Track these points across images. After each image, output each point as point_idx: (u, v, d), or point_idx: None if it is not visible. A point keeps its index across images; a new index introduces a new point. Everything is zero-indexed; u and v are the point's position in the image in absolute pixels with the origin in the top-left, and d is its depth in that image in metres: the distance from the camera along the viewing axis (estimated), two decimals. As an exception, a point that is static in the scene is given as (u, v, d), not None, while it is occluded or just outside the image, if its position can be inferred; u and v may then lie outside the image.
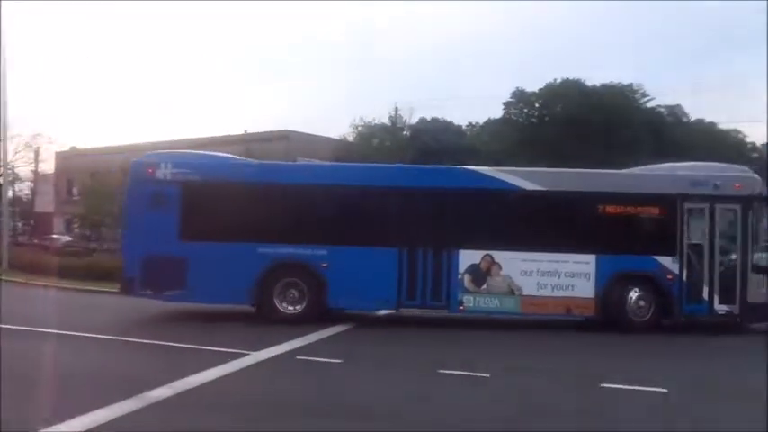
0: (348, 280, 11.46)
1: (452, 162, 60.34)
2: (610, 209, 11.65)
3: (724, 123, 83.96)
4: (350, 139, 58.72)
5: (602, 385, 7.29)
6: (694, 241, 11.55)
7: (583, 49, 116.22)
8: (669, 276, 11.42)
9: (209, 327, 11.57)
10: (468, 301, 11.59)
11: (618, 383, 7.35)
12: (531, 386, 7.46)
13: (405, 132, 58.05)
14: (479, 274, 11.58)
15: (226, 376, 7.53)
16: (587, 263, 11.46)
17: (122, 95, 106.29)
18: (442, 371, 7.92)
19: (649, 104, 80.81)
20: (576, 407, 6.61)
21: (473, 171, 12.32)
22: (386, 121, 56.42)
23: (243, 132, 40.76)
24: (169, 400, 6.39)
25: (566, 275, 11.46)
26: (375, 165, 13.91)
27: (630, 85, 78.16)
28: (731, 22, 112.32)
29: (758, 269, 11.57)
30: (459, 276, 11.57)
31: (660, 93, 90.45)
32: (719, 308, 11.42)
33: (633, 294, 11.48)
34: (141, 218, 11.84)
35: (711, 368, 8.93)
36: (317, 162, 13.74)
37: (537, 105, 75.63)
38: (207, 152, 13.51)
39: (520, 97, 75.60)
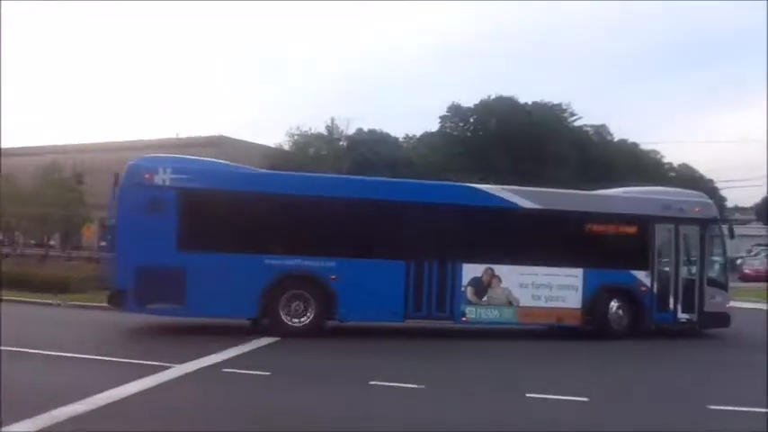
0: (357, 292, 11.35)
1: (389, 174, 60.95)
2: (595, 227, 12.61)
3: (645, 144, 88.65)
4: (286, 147, 58.09)
5: (527, 395, 7.39)
6: (662, 258, 12.85)
7: (516, 67, 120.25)
8: (643, 288, 12.55)
9: (138, 338, 11.10)
10: (471, 312, 11.93)
11: (544, 393, 7.46)
12: (458, 397, 7.47)
13: (341, 142, 58.00)
14: (481, 287, 11.96)
15: (146, 390, 7.16)
16: (576, 276, 12.27)
17: (43, 96, 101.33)
18: (373, 383, 7.83)
19: (577, 123, 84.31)
20: (496, 417, 6.67)
21: (477, 188, 12.75)
22: (322, 130, 56.18)
23: (175, 136, 39.50)
24: (81, 417, 5.99)
25: (557, 288, 12.20)
26: (386, 179, 13.94)
27: (560, 104, 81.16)
28: (655, 48, 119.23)
29: (712, 282, 13.07)
30: (463, 289, 11.87)
31: (587, 112, 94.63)
32: (682, 316, 12.76)
33: (614, 305, 12.47)
34: (135, 225, 10.92)
35: (637, 373, 9.24)
36: (333, 174, 13.52)
37: (472, 120, 77.53)
38: (203, 158, 12.81)
39: (455, 111, 77.29)
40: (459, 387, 8.01)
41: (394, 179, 14.50)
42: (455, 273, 11.83)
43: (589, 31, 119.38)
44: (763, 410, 6.89)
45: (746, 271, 35.14)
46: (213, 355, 9.28)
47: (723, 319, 12.95)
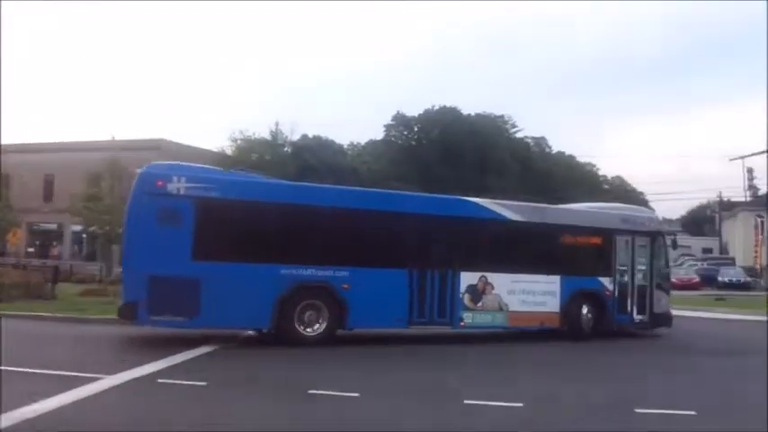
0: (366, 301, 11.63)
1: (333, 180, 60.76)
2: (569, 238, 13.94)
3: (581, 156, 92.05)
4: (228, 152, 57.01)
5: (465, 402, 7.49)
6: (621, 265, 14.39)
7: (460, 78, 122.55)
8: (607, 293, 14.10)
9: (68, 349, 10.67)
10: (468, 317, 12.66)
11: (481, 399, 7.58)
12: (398, 404, 7.50)
13: (286, 148, 57.44)
14: (476, 294, 12.75)
15: (70, 405, 6.81)
16: (555, 283, 13.48)
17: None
18: (312, 391, 7.76)
19: (518, 135, 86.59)
20: (427, 423, 6.74)
21: (472, 201, 13.56)
22: (266, 135, 55.48)
23: (110, 139, 38.11)
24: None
25: (540, 293, 13.34)
26: (395, 192, 14.81)
27: (502, 116, 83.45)
28: (594, 64, 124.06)
29: (659, 287, 14.82)
30: (461, 296, 12.57)
31: (527, 125, 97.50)
32: (637, 317, 14.47)
33: (585, 309, 13.82)
34: (148, 234, 10.58)
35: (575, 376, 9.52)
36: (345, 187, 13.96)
37: (416, 129, 78.47)
38: (214, 167, 12.69)
39: (400, 121, 78.05)
40: (397, 394, 8.03)
41: (400, 192, 15.17)
42: (454, 280, 12.52)
43: (531, 46, 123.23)
44: (690, 412, 7.21)
45: (673, 280, 36.80)
46: (148, 365, 8.98)
47: (668, 319, 14.87)
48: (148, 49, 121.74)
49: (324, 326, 11.58)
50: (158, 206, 10.71)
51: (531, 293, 13.23)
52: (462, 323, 12.60)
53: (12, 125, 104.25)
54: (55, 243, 49.59)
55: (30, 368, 8.58)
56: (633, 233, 14.52)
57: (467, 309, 12.61)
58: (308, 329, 11.53)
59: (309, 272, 11.54)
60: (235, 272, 10.93)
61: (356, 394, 7.68)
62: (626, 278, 14.38)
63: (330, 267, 11.64)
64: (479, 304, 12.74)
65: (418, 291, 12.20)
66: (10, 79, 79.41)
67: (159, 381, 8.21)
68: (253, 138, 56.45)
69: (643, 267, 14.65)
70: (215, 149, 56.52)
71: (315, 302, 11.55)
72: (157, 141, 48.27)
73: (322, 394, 7.66)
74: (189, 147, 51.70)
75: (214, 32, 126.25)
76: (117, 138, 39.35)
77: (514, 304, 13.02)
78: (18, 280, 18.59)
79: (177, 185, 10.83)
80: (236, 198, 11.26)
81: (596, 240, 14.24)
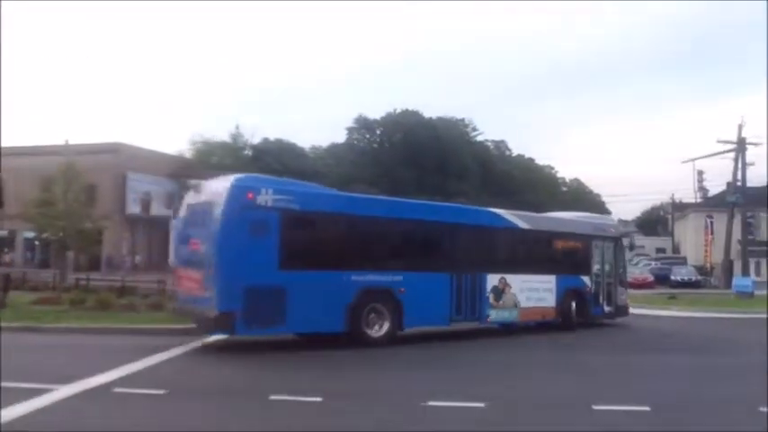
0: (418, 303, 12.65)
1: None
2: (562, 243, 16.38)
3: (540, 159, 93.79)
4: (187, 155, 56.01)
5: (429, 403, 7.54)
6: (596, 266, 16.77)
7: (422, 81, 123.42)
8: (588, 290, 16.39)
9: (20, 359, 10.26)
10: (492, 314, 14.26)
11: (443, 401, 7.64)
12: (358, 409, 7.50)
13: (246, 152, 56.74)
14: (498, 293, 14.37)
15: (20, 418, 6.59)
16: (552, 282, 15.45)
17: None
18: (273, 397, 7.69)
19: (478, 138, 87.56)
20: (386, 426, 6.77)
21: (495, 212, 15.28)
22: (227, 138, 54.68)
23: (64, 143, 36.90)
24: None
25: (542, 291, 15.25)
26: (440, 203, 16.39)
27: (463, 120, 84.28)
28: (549, 69, 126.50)
29: (620, 283, 17.57)
30: (487, 295, 14.11)
31: (488, 128, 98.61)
32: (606, 309, 16.92)
33: (573, 303, 15.87)
34: (241, 245, 10.81)
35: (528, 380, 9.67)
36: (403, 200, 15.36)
37: (378, 132, 78.63)
38: (296, 180, 13.23)
39: (362, 123, 78.14)
40: (360, 398, 8.04)
41: (445, 203, 16.72)
42: (482, 282, 14.03)
43: (491, 50, 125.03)
44: (644, 407, 7.42)
45: (629, 279, 37.70)
46: (104, 374, 8.75)
47: (626, 310, 17.70)
48: (103, 51, 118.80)
49: (386, 328, 12.38)
50: (250, 218, 10.99)
51: (535, 291, 15.12)
52: (488, 319, 14.25)
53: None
54: (6, 250, 47.85)
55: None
56: (603, 238, 17.09)
57: (491, 306, 14.19)
58: (373, 332, 12.27)
59: (374, 278, 12.36)
60: (314, 280, 11.50)
61: (318, 399, 7.65)
62: (599, 276, 16.81)
63: (389, 273, 12.58)
64: (500, 302, 14.37)
65: (457, 292, 13.55)
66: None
67: (115, 390, 8.02)
68: (212, 141, 55.59)
69: (609, 267, 17.18)
70: (173, 153, 55.55)
71: (377, 306, 12.31)
72: (114, 145, 47.13)
73: (284, 400, 7.60)
74: (147, 150, 50.68)
75: (171, 34, 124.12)
76: (71, 142, 38.06)
77: (524, 301, 14.79)
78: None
79: (265, 198, 11.18)
80: (315, 210, 11.92)
81: (580, 245, 16.63)
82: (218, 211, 10.91)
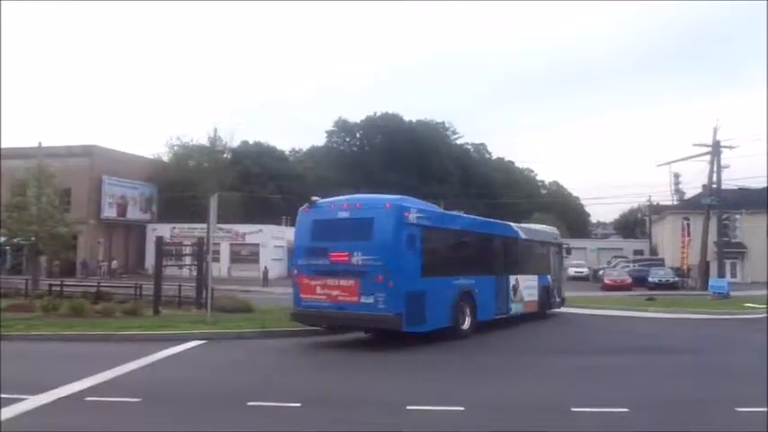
0: (483, 301, 15.42)
1: (275, 187, 59.51)
2: (539, 248, 20.52)
3: (520, 162, 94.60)
4: (165, 159, 55.30)
5: (407, 407, 7.45)
6: (553, 266, 21.19)
7: (401, 85, 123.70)
8: (551, 286, 20.41)
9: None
10: (513, 307, 17.44)
11: (424, 405, 7.55)
12: (338, 415, 7.39)
13: (225, 155, 56.20)
14: (515, 291, 17.69)
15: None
16: (535, 280, 19.16)
17: None
18: (251, 403, 7.54)
19: (458, 141, 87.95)
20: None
21: (511, 225, 19.23)
22: (204, 141, 54.10)
23: (37, 145, 36.16)
24: None
25: (531, 288, 18.77)
26: (492, 220, 19.19)
27: (443, 123, 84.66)
28: (528, 72, 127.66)
29: (563, 280, 21.91)
30: (510, 293, 17.37)
31: (468, 131, 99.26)
32: (557, 300, 21.09)
33: (545, 297, 19.79)
34: (404, 256, 12.74)
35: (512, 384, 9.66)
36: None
37: (358, 135, 78.61)
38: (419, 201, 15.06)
39: (342, 126, 78.07)
40: (336, 402, 7.92)
41: (493, 220, 19.27)
42: (508, 282, 17.27)
43: (470, 53, 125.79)
44: (623, 408, 7.42)
45: (606, 281, 38.10)
46: (76, 383, 8.51)
47: (564, 301, 21.77)
48: (78, 52, 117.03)
49: (469, 322, 14.69)
50: (406, 233, 12.89)
51: (529, 288, 18.53)
52: (510, 312, 17.21)
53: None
54: (-24, 256, 46.67)
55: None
56: (555, 245, 21.83)
57: (512, 301, 17.41)
58: (463, 326, 14.54)
59: (464, 281, 14.81)
60: (439, 284, 13.60)
61: (298, 404, 7.51)
62: (554, 275, 20.92)
63: (471, 277, 15.12)
64: (516, 298, 17.66)
65: (498, 290, 16.65)
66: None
67: (87, 399, 7.79)
68: (190, 144, 54.99)
69: (558, 268, 21.78)
70: (150, 156, 54.83)
71: (463, 305, 14.55)
72: (89, 147, 46.37)
73: (263, 406, 7.45)
74: (123, 153, 49.94)
75: (149, 36, 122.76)
76: (44, 144, 37.32)
77: (526, 297, 18.31)
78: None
79: (413, 216, 13.21)
80: (439, 226, 14.47)
81: (546, 250, 20.89)
82: (383, 227, 12.61)
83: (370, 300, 12.34)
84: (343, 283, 12.68)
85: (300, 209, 13.93)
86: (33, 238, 28.55)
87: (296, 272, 13.66)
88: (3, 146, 44.61)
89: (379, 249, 12.43)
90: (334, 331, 14.29)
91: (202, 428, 6.73)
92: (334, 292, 12.75)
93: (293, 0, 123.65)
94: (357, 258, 12.53)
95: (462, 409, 7.38)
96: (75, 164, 43.07)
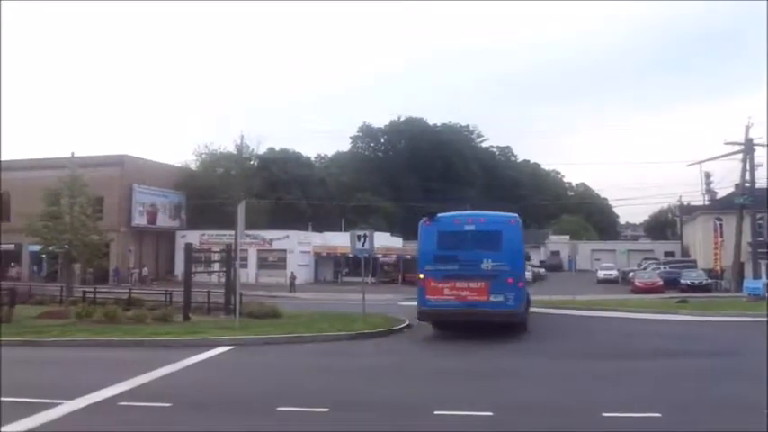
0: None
1: (302, 193, 60.06)
2: None
3: (546, 164, 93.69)
4: (193, 167, 56.14)
5: (435, 412, 7.42)
6: None
7: (425, 89, 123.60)
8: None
9: (25, 374, 10.29)
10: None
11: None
12: (366, 420, 7.40)
13: (252, 162, 56.82)
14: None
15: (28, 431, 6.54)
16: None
17: None
18: (281, 408, 7.60)
19: (483, 144, 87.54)
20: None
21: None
22: (231, 149, 54.79)
23: (70, 156, 37.04)
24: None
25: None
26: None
27: (467, 126, 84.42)
28: (555, 74, 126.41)
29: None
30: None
31: (493, 134, 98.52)
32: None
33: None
34: (523, 262, 15.44)
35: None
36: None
37: (382, 140, 78.78)
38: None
39: (366, 132, 78.33)
40: (364, 407, 7.93)
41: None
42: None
43: (495, 56, 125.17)
44: (654, 413, 7.29)
45: (637, 284, 37.43)
46: (109, 388, 8.69)
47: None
48: (108, 64, 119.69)
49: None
50: (523, 244, 15.63)
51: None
52: None
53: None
54: (13, 264, 47.95)
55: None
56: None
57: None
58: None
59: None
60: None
61: (326, 409, 7.55)
62: None
63: None
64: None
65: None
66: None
67: (120, 404, 7.95)
68: (218, 152, 55.71)
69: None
70: (179, 164, 55.70)
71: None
72: (120, 157, 47.29)
73: (292, 411, 7.51)
74: (152, 162, 50.85)
75: (176, 46, 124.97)
76: (77, 154, 38.21)
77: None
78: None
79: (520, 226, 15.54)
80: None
81: None
82: (511, 239, 14.89)
83: (500, 298, 14.37)
84: (472, 285, 14.50)
85: (421, 221, 15.55)
86: (67, 247, 29.17)
87: (422, 276, 15.00)
88: (39, 156, 45.88)
89: (508, 256, 14.63)
90: (447, 328, 15.90)
91: (232, 433, 6.81)
92: (464, 293, 14.52)
93: (318, 4, 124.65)
94: (487, 264, 14.47)
95: (491, 414, 7.34)
96: (107, 173, 43.97)
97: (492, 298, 14.36)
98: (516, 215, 15.92)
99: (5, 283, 30.02)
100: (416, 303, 15.45)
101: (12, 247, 47.19)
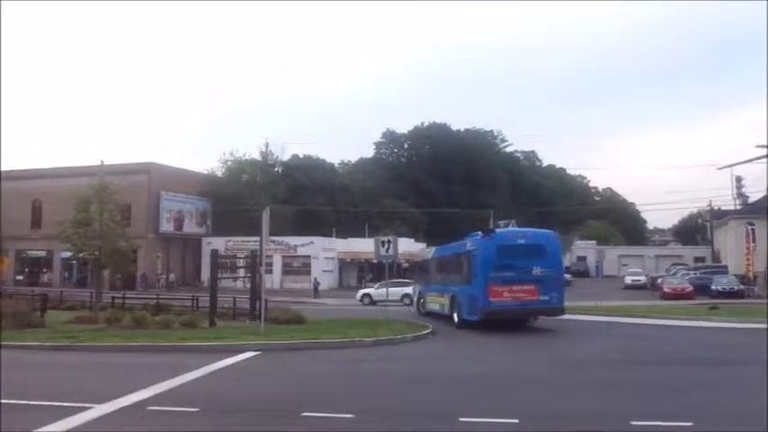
0: None
1: (326, 199, 60.38)
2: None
3: (572, 169, 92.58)
4: (219, 173, 56.84)
5: (460, 419, 7.38)
6: None
7: (449, 95, 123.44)
8: None
9: (56, 378, 10.53)
10: None
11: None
12: (391, 426, 7.38)
13: (276, 168, 57.32)
14: None
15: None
16: None
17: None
18: (306, 414, 7.63)
19: (507, 149, 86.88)
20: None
21: None
22: (256, 156, 55.36)
23: (99, 163, 37.84)
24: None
25: None
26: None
27: (491, 131, 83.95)
28: (580, 78, 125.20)
29: None
30: None
31: (517, 139, 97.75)
32: None
33: None
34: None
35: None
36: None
37: (406, 146, 78.77)
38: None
39: (390, 138, 78.37)
40: (389, 413, 7.91)
41: None
42: None
43: (518, 61, 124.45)
44: (686, 422, 7.14)
45: (666, 289, 36.68)
46: (138, 393, 8.83)
47: None
48: (138, 74, 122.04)
49: None
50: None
51: None
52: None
53: (2, 155, 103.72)
54: (44, 270, 49.05)
55: (15, 399, 8.40)
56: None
57: None
58: None
59: None
60: None
61: (351, 415, 7.55)
62: None
63: None
64: None
65: None
66: (-2, 107, 78.87)
67: (149, 408, 8.06)
68: (243, 159, 56.32)
69: None
70: (205, 171, 56.45)
71: None
72: (147, 165, 48.14)
73: (317, 417, 7.53)
74: (178, 169, 51.66)
75: (201, 55, 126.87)
76: (106, 162, 39.04)
77: None
78: (6, 309, 18.31)
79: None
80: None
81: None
82: (553, 250, 18.58)
83: (547, 297, 17.91)
84: (525, 287, 17.78)
85: (482, 236, 18.65)
86: (96, 253, 29.76)
87: (485, 282, 17.72)
88: (70, 165, 46.93)
89: (551, 264, 18.23)
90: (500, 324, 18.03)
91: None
92: (519, 294, 17.75)
93: (343, 8, 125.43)
94: (537, 271, 17.81)
95: (516, 421, 7.27)
96: (135, 181, 44.80)
97: (541, 297, 17.81)
98: (554, 232, 19.85)
99: (38, 289, 30.73)
100: (471, 306, 18.32)
101: (43, 253, 48.29)
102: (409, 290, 28.04)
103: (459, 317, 18.97)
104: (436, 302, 21.89)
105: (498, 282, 17.58)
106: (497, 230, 19.32)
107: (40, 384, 9.91)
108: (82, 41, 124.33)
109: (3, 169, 49.06)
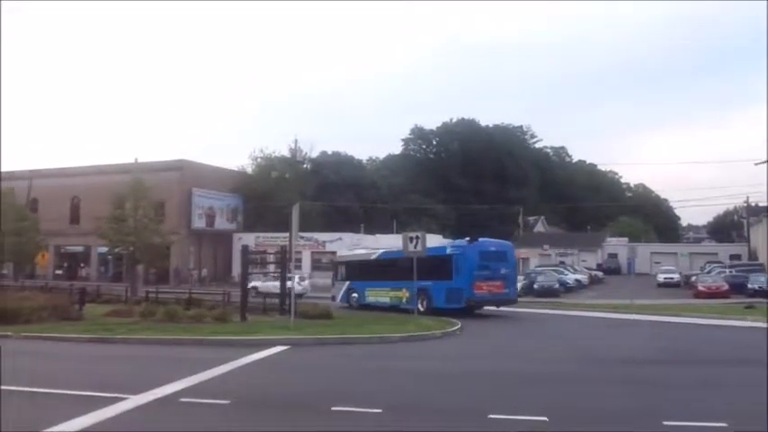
0: None
1: (353, 195, 60.53)
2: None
3: (602, 165, 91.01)
4: (249, 170, 57.51)
5: (490, 416, 7.40)
6: None
7: (478, 90, 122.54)
8: None
9: (92, 369, 10.82)
10: None
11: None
12: (419, 421, 7.42)
13: (305, 165, 57.77)
14: None
15: (96, 425, 6.87)
16: None
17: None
18: (335, 408, 7.71)
19: (537, 145, 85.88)
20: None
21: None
22: (286, 153, 55.86)
23: (134, 161, 38.70)
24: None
25: None
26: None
27: (520, 127, 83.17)
28: (610, 72, 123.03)
29: None
30: None
31: (547, 135, 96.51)
32: None
33: None
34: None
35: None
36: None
37: (434, 142, 78.51)
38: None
39: (418, 134, 78.23)
40: (417, 409, 7.95)
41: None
42: None
43: (548, 56, 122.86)
44: (721, 423, 7.02)
45: (700, 288, 35.84)
46: (170, 385, 9.02)
47: None
48: (169, 73, 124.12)
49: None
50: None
51: None
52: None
53: (39, 151, 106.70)
54: (82, 264, 50.35)
55: (54, 389, 8.69)
56: None
57: None
58: None
59: None
60: None
61: (379, 410, 7.61)
62: None
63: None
64: None
65: None
66: (35, 106, 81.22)
67: (182, 400, 8.25)
68: (272, 156, 56.90)
69: None
70: (235, 168, 57.19)
71: None
72: (179, 162, 48.96)
73: (346, 411, 7.61)
74: (209, 166, 52.41)
75: (231, 54, 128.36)
76: (140, 160, 39.89)
77: None
78: (46, 302, 18.88)
79: None
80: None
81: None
82: (510, 256, 24.49)
83: (508, 290, 23.64)
84: (497, 283, 23.11)
85: (467, 243, 23.73)
86: (131, 248, 30.43)
87: (471, 278, 22.50)
88: (107, 162, 48.11)
89: (511, 266, 24.28)
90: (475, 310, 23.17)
91: (289, 431, 6.96)
92: (493, 289, 22.99)
93: (370, 6, 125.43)
94: (504, 271, 23.39)
95: (546, 419, 7.24)
96: (168, 178, 45.62)
97: (504, 290, 23.38)
98: (511, 243, 27.00)
99: (76, 283, 31.58)
100: (453, 297, 22.65)
101: (81, 248, 49.57)
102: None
103: (428, 306, 22.73)
104: (385, 296, 25.65)
105: (481, 278, 22.65)
106: (480, 240, 24.13)
107: (75, 375, 10.21)
108: (121, 40, 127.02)
109: (46, 167, 50.64)
